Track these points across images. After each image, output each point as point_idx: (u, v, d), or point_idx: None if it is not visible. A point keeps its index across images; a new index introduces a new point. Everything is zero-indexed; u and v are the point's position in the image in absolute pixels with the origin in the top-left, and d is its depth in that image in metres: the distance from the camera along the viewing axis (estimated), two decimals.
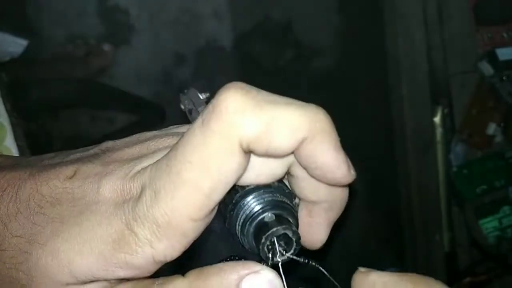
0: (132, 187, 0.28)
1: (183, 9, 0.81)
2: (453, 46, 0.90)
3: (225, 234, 0.31)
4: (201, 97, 0.35)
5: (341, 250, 0.86)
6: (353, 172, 0.29)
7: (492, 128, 0.93)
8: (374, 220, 0.93)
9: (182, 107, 0.36)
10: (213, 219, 0.29)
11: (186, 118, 0.36)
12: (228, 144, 0.26)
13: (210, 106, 0.27)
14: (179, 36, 0.82)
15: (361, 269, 0.29)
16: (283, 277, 0.28)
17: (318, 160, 0.28)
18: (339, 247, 0.88)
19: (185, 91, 0.36)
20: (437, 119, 0.91)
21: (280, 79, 0.86)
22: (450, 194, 0.94)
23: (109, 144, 0.33)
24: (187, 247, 0.28)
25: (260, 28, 0.84)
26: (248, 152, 0.27)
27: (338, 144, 0.29)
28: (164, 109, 0.82)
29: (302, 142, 0.28)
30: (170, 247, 0.27)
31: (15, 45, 0.72)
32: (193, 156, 0.26)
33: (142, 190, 0.28)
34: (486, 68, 0.91)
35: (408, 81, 0.89)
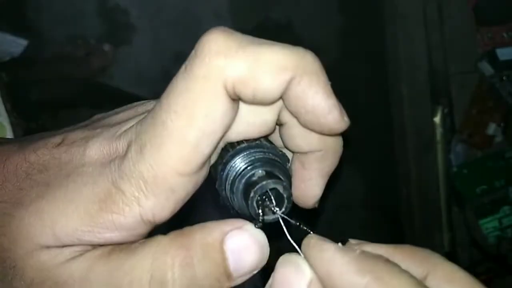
0: (119, 145, 0.27)
1: (183, 9, 0.81)
2: (453, 46, 0.90)
3: (220, 202, 0.29)
4: None
5: None
6: (346, 119, 0.28)
7: (492, 128, 0.92)
8: (374, 220, 0.93)
9: None
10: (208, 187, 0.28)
11: None
12: (212, 87, 0.25)
13: (193, 51, 0.26)
14: (179, 36, 0.82)
15: (352, 241, 0.28)
16: (284, 228, 0.27)
17: (308, 102, 0.27)
18: None
19: None
20: (437, 119, 0.91)
21: None
22: (450, 194, 0.93)
23: (99, 115, 0.33)
24: (177, 207, 0.27)
25: (260, 28, 0.84)
26: (235, 99, 0.26)
27: (329, 87, 0.27)
28: None
29: (289, 83, 0.26)
30: (158, 205, 0.26)
31: (15, 45, 0.72)
32: (177, 104, 0.25)
33: (128, 146, 0.26)
34: (486, 68, 0.91)
35: (408, 81, 0.89)
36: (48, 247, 0.27)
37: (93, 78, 0.79)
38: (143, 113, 0.30)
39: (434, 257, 0.27)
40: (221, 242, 0.26)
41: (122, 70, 0.80)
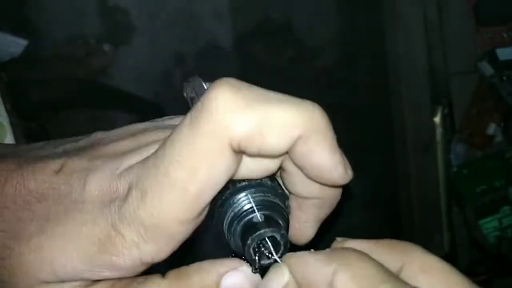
0: (119, 185, 0.27)
1: (183, 9, 0.81)
2: (453, 46, 0.90)
3: (215, 234, 0.30)
4: (205, 87, 0.34)
5: None
6: (350, 172, 0.28)
7: (492, 128, 0.92)
8: (374, 221, 0.93)
9: (185, 94, 0.35)
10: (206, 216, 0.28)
11: (187, 107, 0.36)
12: (218, 145, 0.25)
13: (199, 103, 0.26)
14: (179, 36, 0.82)
15: (338, 239, 0.29)
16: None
17: (314, 161, 0.27)
18: None
19: (190, 79, 0.35)
20: (437, 119, 0.91)
21: (280, 79, 0.86)
22: (450, 194, 0.93)
23: (98, 135, 0.32)
24: (176, 248, 0.27)
25: (260, 28, 0.84)
26: (239, 152, 0.26)
27: (335, 143, 0.27)
28: (164, 109, 0.82)
29: (296, 141, 0.26)
30: (158, 250, 0.26)
31: (15, 45, 0.72)
32: (181, 155, 0.25)
33: (129, 189, 0.26)
34: (486, 68, 0.91)
35: (408, 81, 0.89)
36: (48, 282, 0.27)
37: (93, 78, 0.79)
38: (144, 145, 0.29)
39: (413, 250, 0.27)
40: (218, 284, 0.27)
41: (122, 70, 0.80)
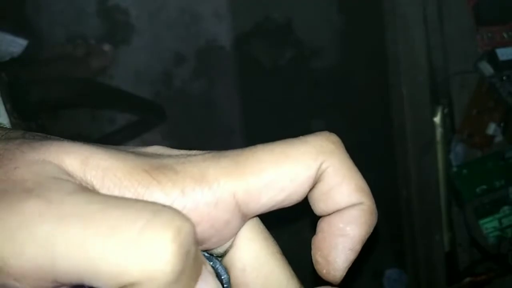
0: None
1: (183, 9, 0.81)
2: (453, 46, 0.90)
3: None
4: None
5: None
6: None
7: (492, 128, 0.92)
8: None
9: None
10: None
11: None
12: None
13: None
14: (179, 36, 0.82)
15: None
16: None
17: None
18: None
19: None
20: (437, 119, 0.91)
21: (280, 79, 0.86)
22: (450, 194, 0.93)
23: None
24: None
25: (260, 28, 0.84)
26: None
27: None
28: (164, 109, 0.82)
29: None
30: None
31: (15, 45, 0.72)
32: None
33: None
34: (486, 68, 0.91)
35: (408, 81, 0.89)
36: None
37: (93, 78, 0.79)
38: None
39: None
40: None
41: (122, 70, 0.80)
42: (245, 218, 0.24)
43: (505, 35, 0.92)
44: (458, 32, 0.90)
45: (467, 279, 0.93)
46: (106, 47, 0.79)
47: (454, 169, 0.92)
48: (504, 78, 0.90)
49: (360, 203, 0.26)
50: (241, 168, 0.23)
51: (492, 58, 0.90)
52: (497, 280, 0.94)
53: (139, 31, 0.80)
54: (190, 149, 0.26)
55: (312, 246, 0.26)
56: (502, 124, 0.93)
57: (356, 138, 0.84)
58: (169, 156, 0.25)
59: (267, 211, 0.25)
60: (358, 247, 0.26)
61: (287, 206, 0.25)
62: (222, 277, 0.25)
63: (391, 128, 0.91)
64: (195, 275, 0.20)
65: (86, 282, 0.20)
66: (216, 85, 0.86)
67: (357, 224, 0.26)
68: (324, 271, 0.26)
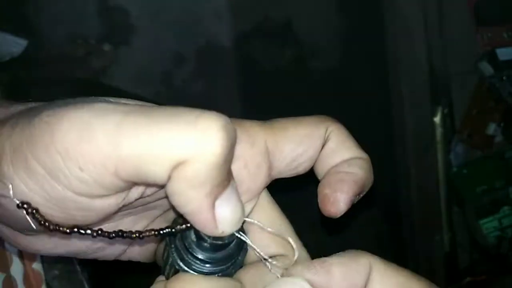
0: None
1: (183, 9, 0.81)
2: (453, 46, 0.90)
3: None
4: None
5: (341, 251, 0.86)
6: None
7: (492, 128, 0.93)
8: (374, 220, 0.93)
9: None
10: None
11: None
12: None
13: None
14: (179, 36, 0.82)
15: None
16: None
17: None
18: (338, 248, 0.87)
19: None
20: (437, 119, 0.91)
21: (280, 79, 0.86)
22: (450, 194, 0.94)
23: None
24: None
25: (260, 28, 0.84)
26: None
27: None
28: None
29: None
30: None
31: (15, 45, 0.72)
32: None
33: None
34: (486, 68, 0.91)
35: (408, 81, 0.89)
36: None
37: (93, 78, 0.79)
38: None
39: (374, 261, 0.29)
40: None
41: (122, 70, 0.80)
42: (270, 172, 0.28)
43: (505, 35, 0.92)
44: (458, 32, 0.90)
45: (467, 279, 0.93)
46: (106, 47, 0.79)
47: (454, 169, 0.92)
48: (504, 78, 0.91)
49: (361, 157, 0.31)
50: (269, 124, 0.28)
51: (492, 58, 0.90)
52: (497, 280, 0.94)
53: (139, 31, 0.80)
54: None
55: (320, 187, 0.30)
56: (502, 124, 0.93)
57: (356, 138, 0.84)
58: None
59: (288, 169, 0.29)
60: (360, 184, 0.30)
61: (304, 163, 0.29)
62: (245, 242, 0.28)
63: (391, 128, 0.91)
64: (227, 181, 0.24)
65: (143, 173, 0.23)
66: (216, 85, 0.86)
67: (360, 168, 0.30)
68: (331, 199, 0.29)
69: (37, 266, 0.42)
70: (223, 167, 0.23)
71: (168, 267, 0.28)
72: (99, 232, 0.24)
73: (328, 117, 0.30)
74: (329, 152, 0.30)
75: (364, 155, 0.31)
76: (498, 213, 0.93)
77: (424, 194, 0.92)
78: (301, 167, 0.30)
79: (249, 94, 0.84)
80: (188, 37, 0.82)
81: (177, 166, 0.23)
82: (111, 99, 0.26)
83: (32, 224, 0.24)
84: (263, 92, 0.84)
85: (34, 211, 0.23)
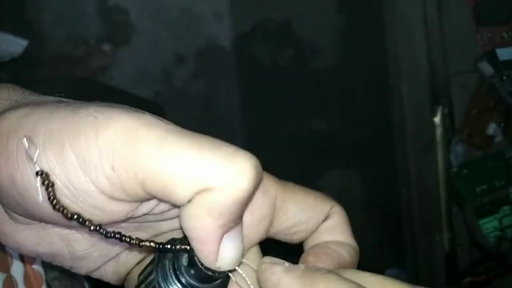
0: None
1: (183, 9, 0.81)
2: (453, 46, 0.90)
3: None
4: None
5: None
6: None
7: (492, 128, 0.93)
8: (374, 220, 0.93)
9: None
10: None
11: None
12: None
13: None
14: (179, 36, 0.82)
15: (265, 259, 0.29)
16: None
17: None
18: None
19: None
20: (437, 119, 0.91)
21: (280, 79, 0.86)
22: (450, 194, 0.94)
23: None
24: None
25: (260, 28, 0.84)
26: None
27: None
28: (164, 109, 0.82)
29: None
30: None
31: (15, 45, 0.72)
32: None
33: None
34: (486, 68, 0.91)
35: (408, 81, 0.89)
36: None
37: (93, 78, 0.79)
38: None
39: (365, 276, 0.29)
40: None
41: (122, 70, 0.80)
42: (269, 228, 0.29)
43: (505, 35, 0.92)
44: (458, 32, 0.90)
45: (467, 279, 0.93)
46: (106, 47, 0.79)
47: (454, 169, 0.92)
48: (504, 78, 0.91)
49: (352, 246, 0.30)
50: (283, 183, 0.29)
51: (492, 58, 0.90)
52: (497, 280, 0.94)
53: (139, 31, 0.80)
54: None
55: (304, 254, 0.30)
56: (502, 124, 0.93)
57: (356, 138, 0.84)
58: None
59: (285, 232, 0.29)
60: (342, 268, 0.30)
61: (301, 233, 0.30)
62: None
63: (391, 128, 0.91)
64: (239, 219, 0.25)
65: (168, 190, 0.24)
66: (216, 85, 0.86)
67: (348, 254, 0.30)
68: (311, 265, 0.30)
69: (37, 266, 0.42)
70: (244, 205, 0.24)
71: (144, 285, 0.28)
72: (99, 227, 0.25)
73: (334, 200, 0.31)
74: (325, 229, 0.30)
75: (355, 245, 0.31)
76: (498, 213, 0.93)
77: (424, 194, 0.92)
78: (297, 236, 0.30)
79: (249, 94, 0.84)
80: (188, 37, 0.83)
81: (201, 191, 0.24)
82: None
83: (40, 196, 0.24)
84: (263, 92, 0.84)
85: (51, 184, 0.24)
